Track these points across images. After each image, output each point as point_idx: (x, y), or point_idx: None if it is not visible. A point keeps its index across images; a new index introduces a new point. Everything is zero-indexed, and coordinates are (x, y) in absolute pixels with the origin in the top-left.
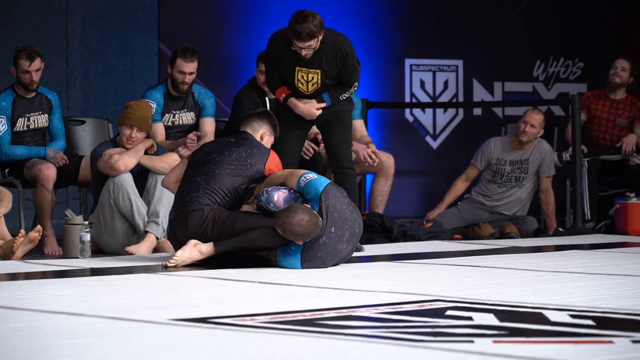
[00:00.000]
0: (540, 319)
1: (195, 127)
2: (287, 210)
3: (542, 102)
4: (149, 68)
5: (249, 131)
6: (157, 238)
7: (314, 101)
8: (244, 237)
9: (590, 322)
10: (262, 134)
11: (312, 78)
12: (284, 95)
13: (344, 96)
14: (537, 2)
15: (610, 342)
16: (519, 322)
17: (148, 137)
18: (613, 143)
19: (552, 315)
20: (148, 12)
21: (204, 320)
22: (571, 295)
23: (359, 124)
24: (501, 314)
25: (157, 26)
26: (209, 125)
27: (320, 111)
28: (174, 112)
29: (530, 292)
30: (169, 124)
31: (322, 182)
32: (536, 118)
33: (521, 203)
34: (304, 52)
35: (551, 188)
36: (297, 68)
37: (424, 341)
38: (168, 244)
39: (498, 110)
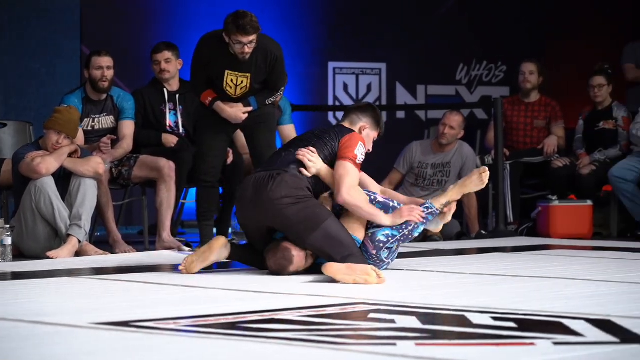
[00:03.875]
0: (463, 321)
1: (115, 130)
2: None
3: (464, 105)
4: (71, 71)
5: (347, 124)
6: (79, 241)
7: (240, 105)
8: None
9: (512, 324)
10: (361, 127)
11: (242, 82)
12: (209, 99)
13: (270, 100)
14: (460, 5)
15: (532, 344)
16: (442, 325)
17: None
18: (533, 146)
19: (475, 318)
20: (70, 14)
21: (125, 324)
22: (493, 298)
23: (289, 129)
24: (424, 317)
25: (80, 29)
26: (127, 128)
27: (247, 115)
28: (93, 116)
29: (452, 295)
30: (89, 128)
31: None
32: (455, 119)
33: None
34: (246, 49)
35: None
36: (227, 72)
37: (346, 344)
38: (90, 248)
39: (421, 114)
